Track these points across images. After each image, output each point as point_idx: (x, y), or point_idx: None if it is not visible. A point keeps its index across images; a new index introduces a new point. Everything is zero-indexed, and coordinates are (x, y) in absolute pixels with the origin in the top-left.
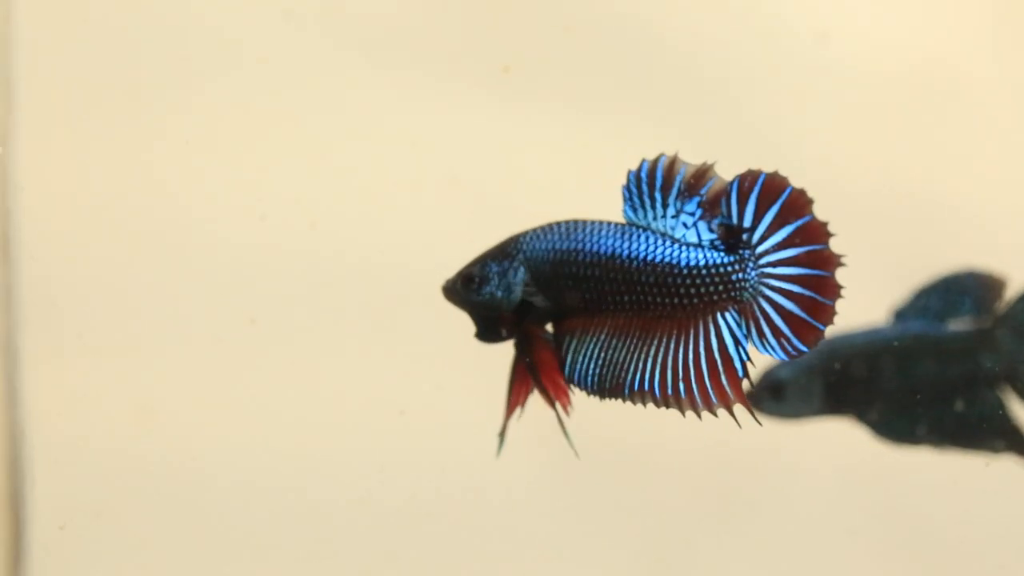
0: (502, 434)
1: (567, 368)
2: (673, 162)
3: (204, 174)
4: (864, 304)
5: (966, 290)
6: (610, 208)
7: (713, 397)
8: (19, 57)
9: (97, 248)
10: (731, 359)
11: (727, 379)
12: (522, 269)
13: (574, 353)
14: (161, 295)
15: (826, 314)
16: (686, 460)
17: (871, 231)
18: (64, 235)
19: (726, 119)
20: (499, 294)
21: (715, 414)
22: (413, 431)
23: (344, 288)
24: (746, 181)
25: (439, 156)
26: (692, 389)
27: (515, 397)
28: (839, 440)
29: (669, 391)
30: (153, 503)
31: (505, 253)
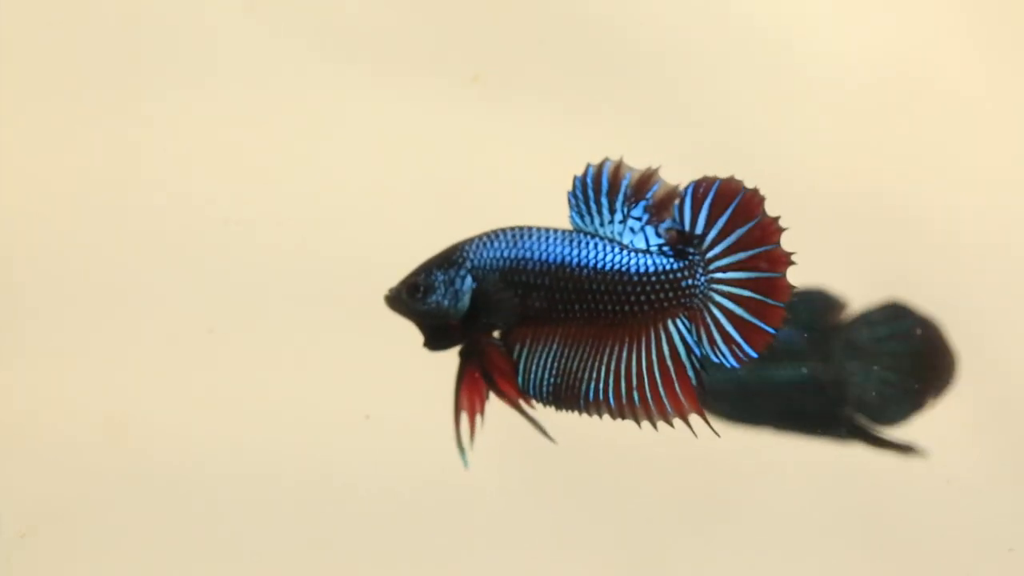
0: (460, 445)
1: (520, 378)
2: (618, 167)
3: (167, 177)
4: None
5: (814, 304)
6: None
7: (668, 406)
8: None
9: (60, 250)
10: (684, 367)
11: (680, 387)
12: (469, 278)
13: (526, 363)
14: (122, 299)
15: (776, 317)
16: (661, 460)
17: (846, 236)
18: (27, 237)
19: (701, 125)
20: (445, 303)
21: (671, 424)
22: (379, 435)
23: (313, 290)
24: (700, 187)
25: (407, 160)
26: (647, 398)
27: (468, 406)
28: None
29: (624, 400)
30: (118, 509)
31: (451, 261)
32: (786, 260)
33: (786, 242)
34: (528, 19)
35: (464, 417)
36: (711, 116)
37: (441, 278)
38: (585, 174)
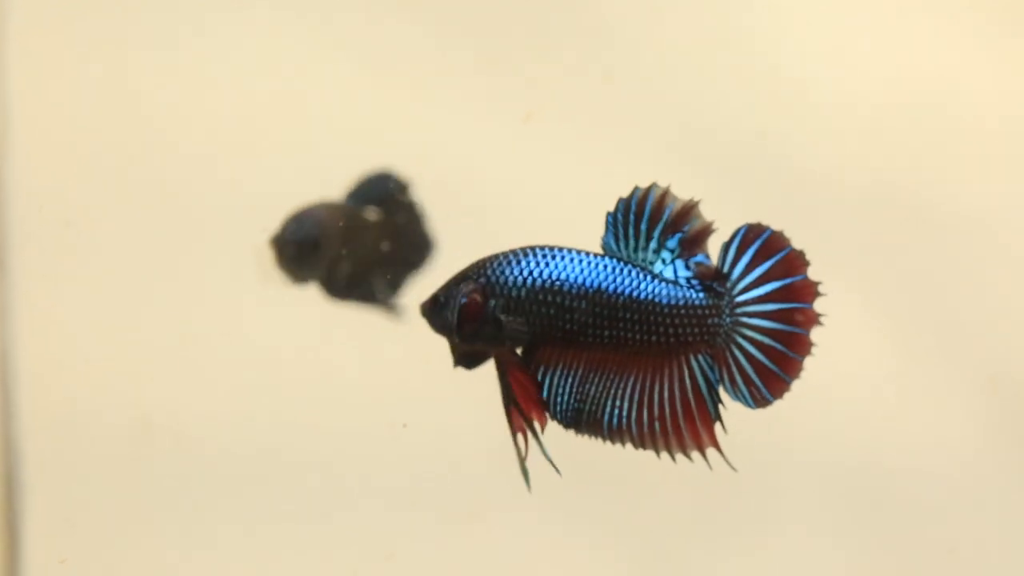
0: (524, 467)
1: (545, 399)
2: (664, 195)
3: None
4: (861, 312)
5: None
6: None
7: (687, 438)
8: None
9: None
10: (704, 402)
11: (700, 420)
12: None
13: (550, 385)
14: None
15: (795, 368)
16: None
17: (873, 246)
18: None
19: (756, 169)
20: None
21: (689, 457)
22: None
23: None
24: (752, 232)
25: (458, 196)
26: (667, 429)
27: (515, 422)
28: (826, 440)
29: (646, 430)
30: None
31: (468, 277)
32: (815, 320)
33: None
34: (584, 58)
35: (519, 436)
36: (765, 159)
37: (455, 293)
38: (631, 197)
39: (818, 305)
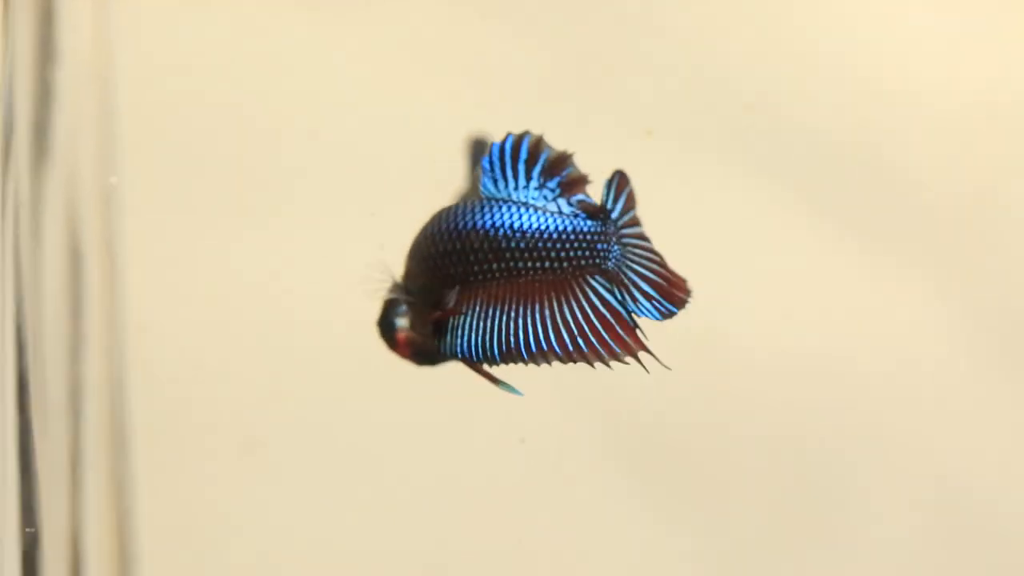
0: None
1: (448, 346)
2: (539, 141)
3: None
4: (931, 300)
5: None
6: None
7: (616, 347)
8: None
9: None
10: (618, 312)
11: (622, 329)
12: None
13: (452, 330)
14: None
15: (683, 285)
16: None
17: (947, 237)
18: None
19: (869, 179)
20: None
21: (624, 362)
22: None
23: None
24: (625, 177)
25: None
26: (593, 343)
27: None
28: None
29: (570, 347)
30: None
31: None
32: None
33: None
34: (702, 76)
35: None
36: (871, 166)
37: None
38: (504, 140)
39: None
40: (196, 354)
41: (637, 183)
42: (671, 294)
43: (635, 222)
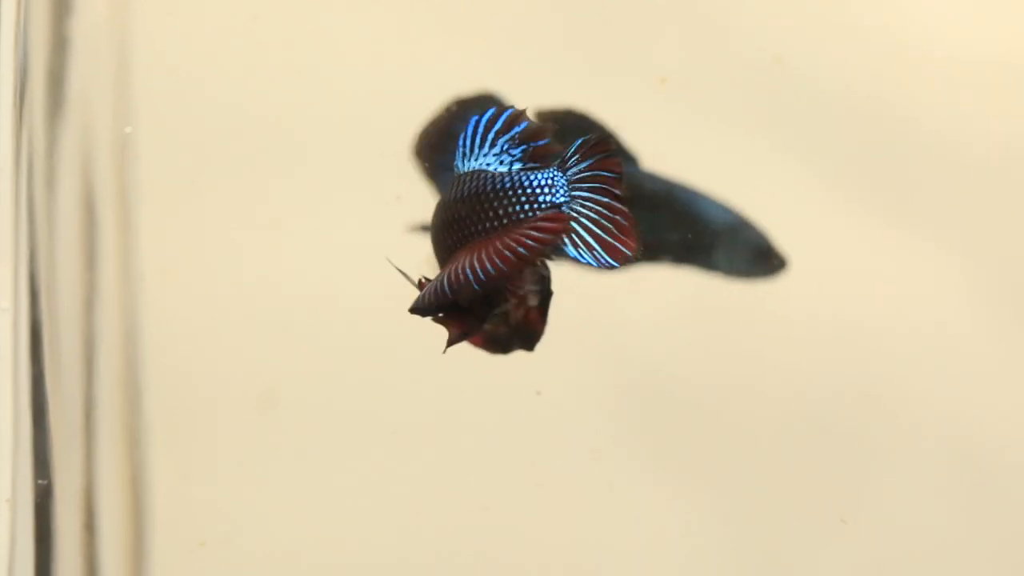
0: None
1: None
2: (518, 116)
3: None
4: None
5: None
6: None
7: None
8: None
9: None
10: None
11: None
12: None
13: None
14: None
15: (630, 237)
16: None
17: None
18: None
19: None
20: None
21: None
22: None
23: None
24: (603, 143)
25: None
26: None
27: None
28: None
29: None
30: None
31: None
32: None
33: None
34: (718, 24)
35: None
36: (861, 111)
37: None
38: (481, 117)
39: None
40: (211, 306)
41: (648, 133)
42: (613, 249)
43: (597, 179)
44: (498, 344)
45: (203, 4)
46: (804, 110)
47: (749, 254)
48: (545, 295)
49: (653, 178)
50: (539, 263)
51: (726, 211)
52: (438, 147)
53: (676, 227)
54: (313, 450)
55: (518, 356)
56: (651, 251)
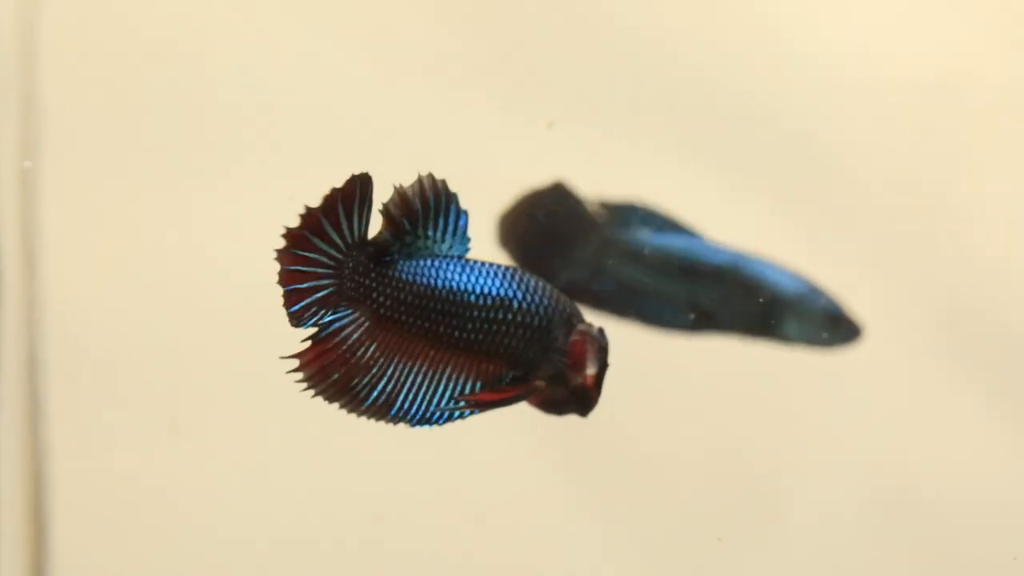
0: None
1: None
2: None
3: None
4: (870, 297)
5: None
6: None
7: None
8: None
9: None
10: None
11: None
12: None
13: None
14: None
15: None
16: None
17: (881, 233)
18: None
19: (777, 175)
20: None
21: None
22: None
23: None
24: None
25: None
26: None
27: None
28: (852, 446)
29: None
30: None
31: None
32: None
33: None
34: (605, 66)
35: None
36: (787, 154)
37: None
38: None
39: None
40: (117, 333)
41: (538, 176)
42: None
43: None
44: (554, 406)
45: (106, 39)
46: (705, 137)
47: (821, 322)
48: (602, 365)
49: (718, 250)
50: (599, 333)
51: (794, 279)
52: (518, 233)
53: (745, 299)
54: (220, 470)
55: None
56: (721, 325)
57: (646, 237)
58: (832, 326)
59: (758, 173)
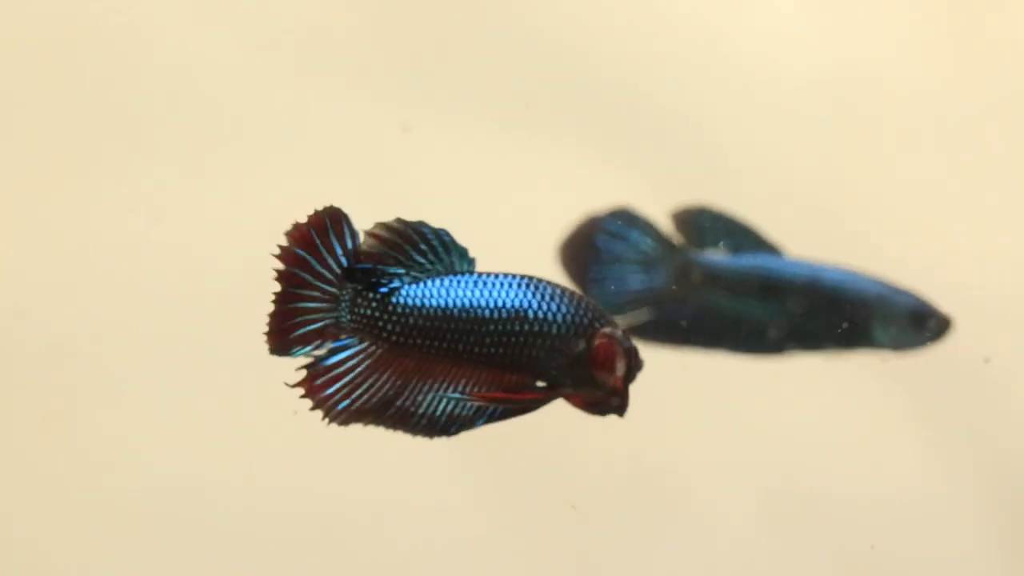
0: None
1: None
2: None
3: None
4: None
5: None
6: None
7: None
8: None
9: None
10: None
11: None
12: None
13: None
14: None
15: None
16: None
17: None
18: None
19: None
20: None
21: None
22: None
23: None
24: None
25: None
26: None
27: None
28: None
29: None
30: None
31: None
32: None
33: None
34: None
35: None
36: (694, 150)
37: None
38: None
39: None
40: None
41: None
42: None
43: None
44: (596, 408)
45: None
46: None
47: (906, 321)
48: (631, 367)
49: (798, 264)
50: (624, 336)
51: (874, 282)
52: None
53: (831, 311)
54: (99, 465)
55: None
56: (813, 341)
57: (722, 259)
58: (918, 324)
59: (660, 175)
